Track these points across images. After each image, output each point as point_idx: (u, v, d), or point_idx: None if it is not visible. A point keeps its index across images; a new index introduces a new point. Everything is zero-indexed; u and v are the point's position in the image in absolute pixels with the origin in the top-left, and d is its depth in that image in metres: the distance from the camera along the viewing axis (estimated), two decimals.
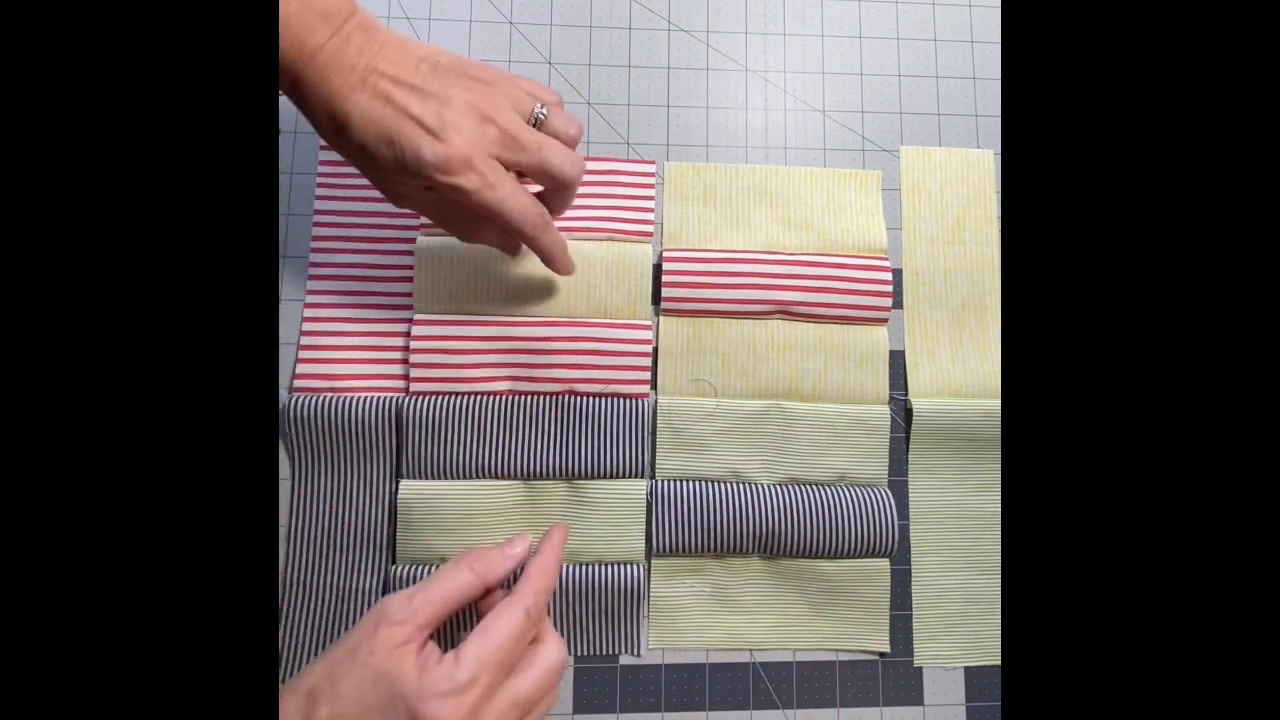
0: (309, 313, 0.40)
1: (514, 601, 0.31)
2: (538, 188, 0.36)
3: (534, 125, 0.34)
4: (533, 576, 0.32)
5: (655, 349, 0.41)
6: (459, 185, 0.32)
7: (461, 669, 0.28)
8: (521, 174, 0.35)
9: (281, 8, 0.29)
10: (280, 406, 0.39)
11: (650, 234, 0.42)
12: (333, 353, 0.40)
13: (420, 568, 0.38)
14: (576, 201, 0.42)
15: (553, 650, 0.32)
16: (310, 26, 0.30)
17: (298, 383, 0.40)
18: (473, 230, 0.36)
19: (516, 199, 0.33)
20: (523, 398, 0.40)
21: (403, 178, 0.32)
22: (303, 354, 0.40)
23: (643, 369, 0.41)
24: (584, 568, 0.39)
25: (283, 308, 0.41)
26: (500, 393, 0.40)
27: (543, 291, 0.41)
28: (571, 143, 0.35)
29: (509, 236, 0.37)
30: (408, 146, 0.31)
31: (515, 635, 0.30)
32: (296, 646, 0.38)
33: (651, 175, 0.43)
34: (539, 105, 0.34)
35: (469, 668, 0.28)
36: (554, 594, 0.38)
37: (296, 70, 0.31)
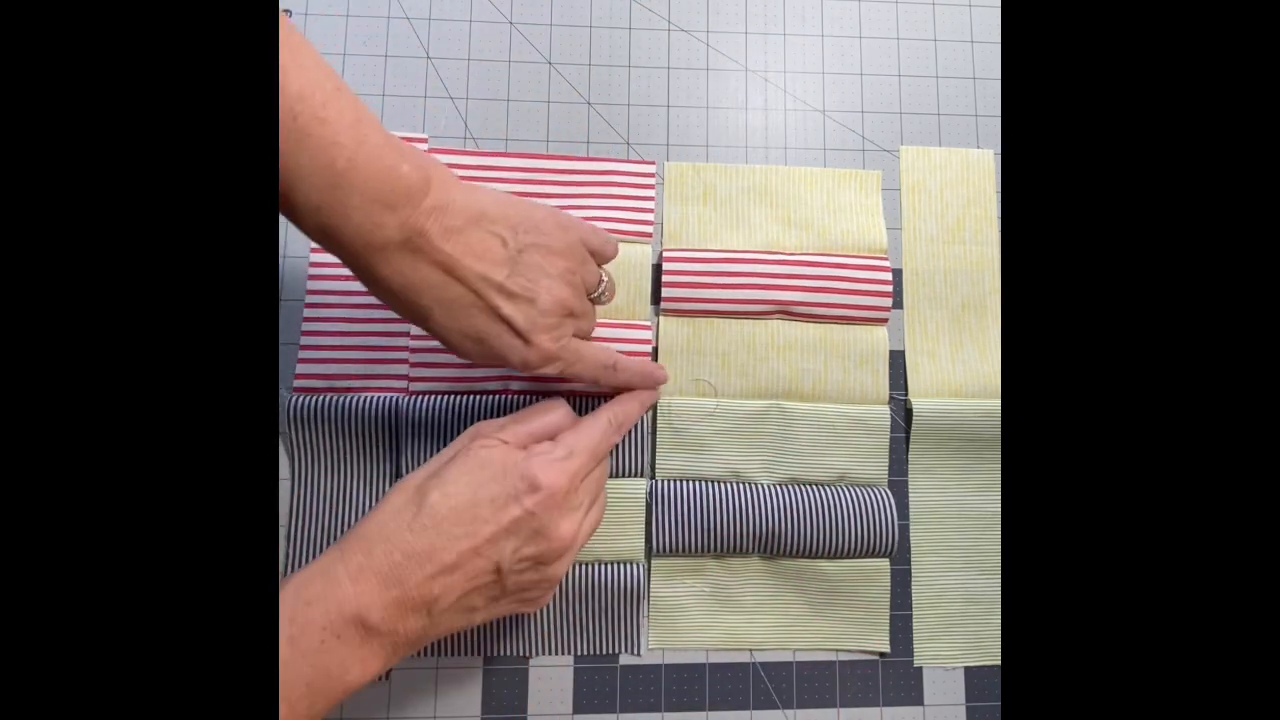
0: (309, 313, 0.40)
1: (599, 412, 0.35)
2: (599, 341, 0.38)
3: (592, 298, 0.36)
4: (618, 400, 0.36)
5: (654, 349, 0.41)
6: (545, 375, 0.34)
7: (559, 447, 0.32)
8: None
9: (344, 201, 0.27)
10: (280, 406, 0.39)
11: (650, 234, 0.42)
12: (333, 353, 0.40)
13: None
14: (576, 202, 0.42)
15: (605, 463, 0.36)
16: (377, 223, 0.28)
17: (298, 383, 0.40)
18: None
19: (590, 366, 0.35)
20: (522, 397, 0.40)
21: (482, 364, 0.33)
22: (303, 354, 0.40)
23: None
24: (583, 567, 0.39)
25: (283, 308, 0.41)
26: (499, 392, 0.40)
27: None
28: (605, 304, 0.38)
29: None
30: (495, 348, 0.32)
31: (600, 433, 0.34)
32: None
33: (651, 175, 0.43)
34: (603, 283, 0.36)
35: (565, 446, 0.32)
36: (554, 594, 0.38)
37: (366, 262, 0.29)
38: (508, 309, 0.31)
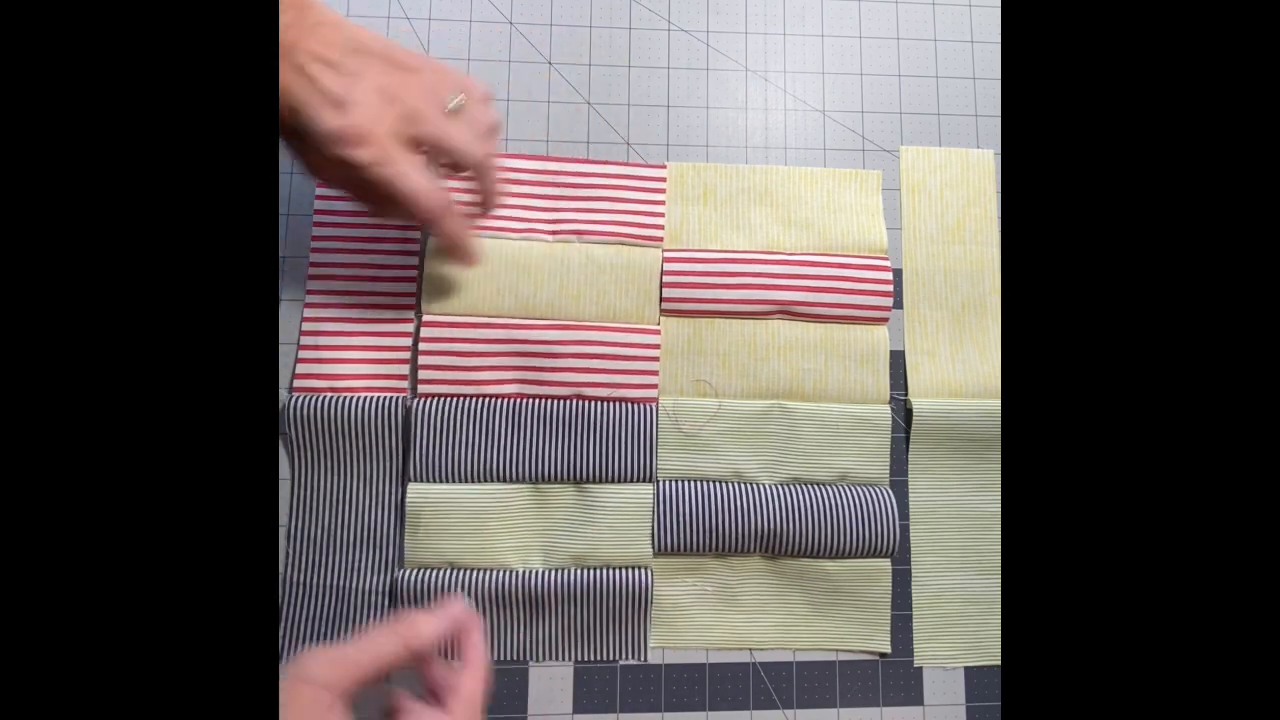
0: (309, 313, 0.40)
1: (471, 665, 0.31)
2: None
3: (450, 113, 0.35)
4: (460, 687, 0.31)
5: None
6: (355, 158, 0.32)
7: None
8: (455, 168, 0.37)
9: None
10: (280, 406, 0.39)
11: (660, 238, 0.42)
12: (333, 353, 0.40)
13: (428, 572, 0.38)
14: (587, 205, 0.42)
15: None
16: None
17: (298, 383, 0.40)
18: (383, 209, 0.37)
19: (413, 178, 0.33)
20: (532, 401, 0.40)
21: (310, 148, 0.33)
22: (303, 354, 0.40)
23: (651, 373, 0.41)
24: (591, 572, 0.39)
25: (283, 308, 0.41)
26: (509, 395, 0.40)
27: (552, 295, 0.41)
28: (486, 130, 0.36)
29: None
30: (308, 116, 0.32)
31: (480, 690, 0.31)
32: (296, 646, 0.38)
33: (662, 180, 0.43)
34: (458, 95, 0.35)
35: None
36: (560, 599, 0.38)
37: None
38: (327, 80, 0.32)
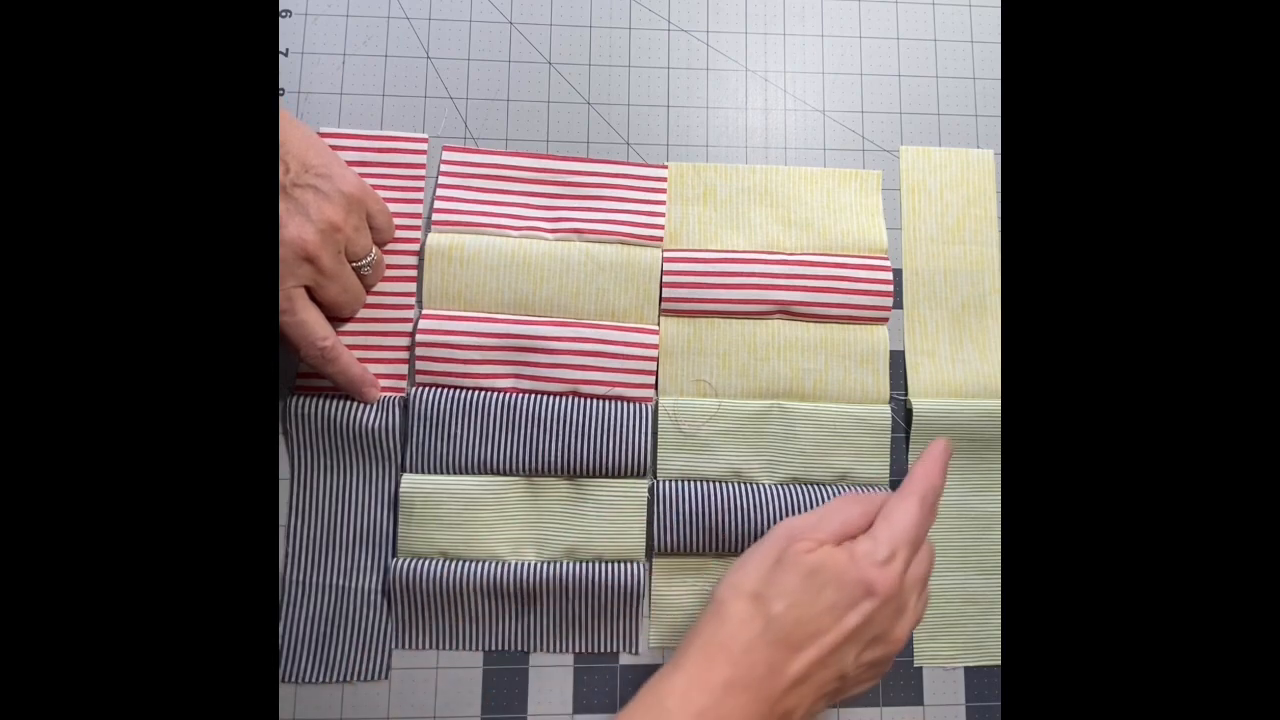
0: None
1: (906, 492, 0.33)
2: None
3: (355, 266, 0.38)
4: (918, 475, 0.34)
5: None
6: None
7: (880, 546, 0.31)
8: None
9: None
10: (280, 406, 0.39)
11: (660, 238, 0.42)
12: None
13: (420, 561, 0.38)
14: (587, 204, 0.42)
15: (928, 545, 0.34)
16: None
17: (298, 382, 0.40)
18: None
19: (298, 330, 0.35)
20: (527, 396, 0.40)
21: None
22: None
23: (648, 373, 0.41)
24: (583, 565, 0.39)
25: None
26: (510, 390, 0.40)
27: (551, 293, 0.41)
28: (369, 288, 0.40)
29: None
30: None
31: (915, 519, 0.32)
32: (296, 645, 0.38)
33: (663, 180, 0.43)
34: (370, 257, 0.38)
35: (886, 545, 0.31)
36: (552, 591, 0.38)
37: None
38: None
